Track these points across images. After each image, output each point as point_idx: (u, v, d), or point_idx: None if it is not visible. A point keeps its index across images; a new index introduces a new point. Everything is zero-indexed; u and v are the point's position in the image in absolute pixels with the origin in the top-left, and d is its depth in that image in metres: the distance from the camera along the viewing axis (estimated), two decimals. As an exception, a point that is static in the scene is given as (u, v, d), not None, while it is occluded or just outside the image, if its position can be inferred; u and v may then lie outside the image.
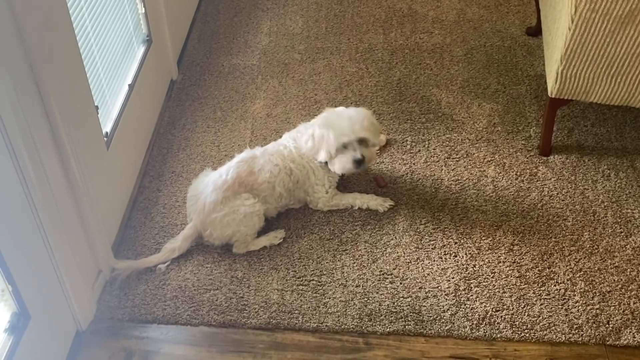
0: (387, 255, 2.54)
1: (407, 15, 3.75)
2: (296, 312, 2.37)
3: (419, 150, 2.96)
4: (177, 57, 3.43)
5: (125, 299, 2.42)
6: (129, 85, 2.74)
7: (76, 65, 2.22)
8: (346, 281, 2.46)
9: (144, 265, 2.48)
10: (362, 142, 2.54)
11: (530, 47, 3.51)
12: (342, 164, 2.55)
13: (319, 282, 2.46)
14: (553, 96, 2.74)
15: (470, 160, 2.91)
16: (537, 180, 2.81)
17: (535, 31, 3.58)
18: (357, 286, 2.44)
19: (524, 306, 2.36)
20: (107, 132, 2.51)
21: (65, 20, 2.14)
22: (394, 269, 2.49)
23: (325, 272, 2.49)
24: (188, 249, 2.54)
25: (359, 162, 2.53)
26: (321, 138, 2.52)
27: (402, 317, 2.34)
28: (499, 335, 2.29)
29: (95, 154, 2.38)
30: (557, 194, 2.75)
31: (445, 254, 2.54)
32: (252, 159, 2.60)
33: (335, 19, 3.74)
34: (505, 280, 2.45)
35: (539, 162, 2.88)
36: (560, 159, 2.89)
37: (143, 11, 2.93)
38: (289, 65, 3.45)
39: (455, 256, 2.53)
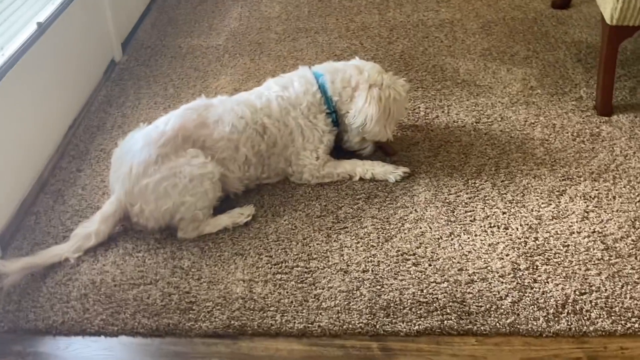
0: (405, 231, 1.73)
1: (406, -1, 3.11)
2: (272, 309, 1.52)
3: (437, 116, 2.21)
4: (123, 38, 2.73)
5: (8, 301, 1.57)
6: (38, 23, 2.02)
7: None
8: (347, 265, 1.63)
9: (45, 262, 1.65)
10: None
11: (560, 17, 2.85)
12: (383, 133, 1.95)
13: (307, 268, 1.63)
14: (614, 24, 2.03)
15: (507, 123, 2.15)
16: (603, 140, 2.05)
17: (563, 3, 2.93)
18: (364, 271, 1.61)
19: (623, 286, 1.54)
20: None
21: None
22: (417, 248, 1.67)
23: (315, 256, 1.66)
24: (110, 235, 1.73)
25: None
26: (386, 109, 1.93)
27: (437, 310, 1.50)
28: (591, 328, 1.45)
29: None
30: (635, 152, 1.98)
31: (491, 227, 1.73)
32: (206, 108, 1.84)
33: (319, 4, 3.09)
34: (587, 254, 1.63)
35: (600, 122, 2.14)
36: (627, 117, 2.15)
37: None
38: (263, 44, 2.75)
39: (507, 228, 1.72)
